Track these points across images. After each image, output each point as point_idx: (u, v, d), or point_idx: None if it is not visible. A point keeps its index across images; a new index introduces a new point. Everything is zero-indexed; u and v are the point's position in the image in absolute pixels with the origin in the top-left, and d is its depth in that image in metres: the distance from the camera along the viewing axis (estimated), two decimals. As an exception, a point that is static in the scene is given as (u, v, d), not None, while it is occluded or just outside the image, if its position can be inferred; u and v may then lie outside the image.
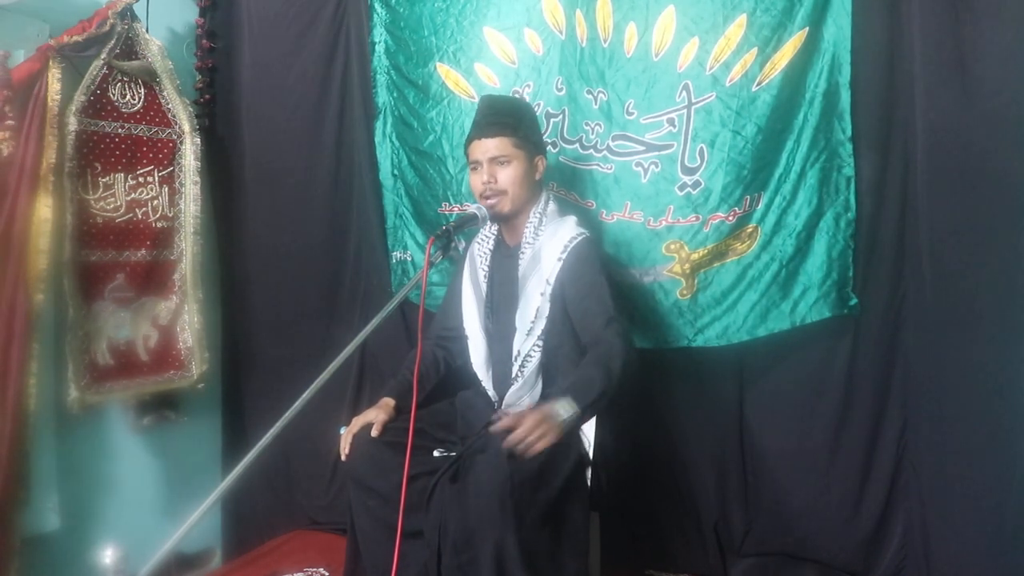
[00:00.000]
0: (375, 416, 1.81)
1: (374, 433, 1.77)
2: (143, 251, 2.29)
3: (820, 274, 2.08)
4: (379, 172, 2.56)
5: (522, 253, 1.91)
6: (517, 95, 2.34)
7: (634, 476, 2.26)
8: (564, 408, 1.57)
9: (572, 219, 1.96)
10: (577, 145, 2.29)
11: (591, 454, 1.84)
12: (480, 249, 2.03)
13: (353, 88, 2.62)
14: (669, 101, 2.16)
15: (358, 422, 1.82)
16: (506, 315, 1.93)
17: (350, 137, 2.64)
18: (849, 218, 2.08)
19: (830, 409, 2.19)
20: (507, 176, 1.87)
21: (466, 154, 1.97)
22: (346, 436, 1.82)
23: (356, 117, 2.62)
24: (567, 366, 1.83)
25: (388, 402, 1.88)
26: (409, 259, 2.54)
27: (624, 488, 2.10)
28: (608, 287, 1.82)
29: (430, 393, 1.97)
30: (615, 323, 1.75)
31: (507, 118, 1.90)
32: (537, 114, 2.32)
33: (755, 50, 2.07)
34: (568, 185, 2.31)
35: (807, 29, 2.03)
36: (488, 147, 1.88)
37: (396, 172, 2.54)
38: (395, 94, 2.52)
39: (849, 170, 2.08)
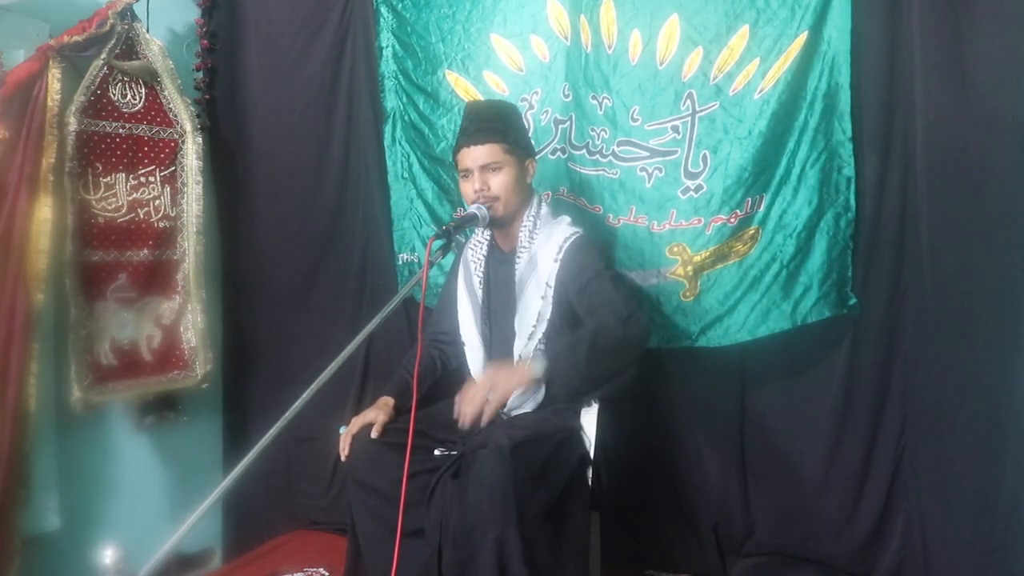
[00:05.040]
0: (375, 416, 1.81)
1: (374, 434, 1.77)
2: (145, 251, 2.29)
3: (820, 274, 2.09)
4: (388, 175, 2.56)
5: (518, 258, 1.90)
6: (526, 102, 2.35)
7: (635, 476, 2.26)
8: (534, 363, 1.58)
9: (566, 219, 1.95)
10: (584, 151, 2.29)
11: (592, 454, 1.84)
12: (474, 255, 2.01)
13: (360, 91, 2.62)
14: (673, 109, 2.17)
15: (357, 422, 1.82)
16: (504, 320, 1.92)
17: (358, 139, 2.65)
18: (849, 218, 2.09)
19: (830, 409, 2.19)
20: (499, 182, 1.86)
21: (455, 162, 1.95)
22: (345, 436, 1.82)
23: (364, 120, 2.62)
24: None
25: (387, 401, 1.87)
26: (416, 260, 2.54)
27: (625, 488, 2.10)
28: (610, 273, 1.81)
29: (427, 393, 1.97)
30: (625, 300, 1.73)
31: (495, 124, 1.88)
32: (543, 120, 2.34)
33: (757, 60, 2.08)
34: (577, 190, 2.31)
35: (807, 32, 2.04)
36: (478, 155, 1.85)
37: (406, 175, 2.53)
38: (404, 99, 2.51)
39: (849, 170, 2.08)
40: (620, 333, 1.62)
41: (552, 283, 1.83)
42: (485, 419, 1.51)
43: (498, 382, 1.53)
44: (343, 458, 1.81)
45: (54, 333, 2.10)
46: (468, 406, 1.51)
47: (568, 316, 1.84)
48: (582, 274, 1.80)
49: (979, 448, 1.92)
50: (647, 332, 1.69)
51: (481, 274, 1.98)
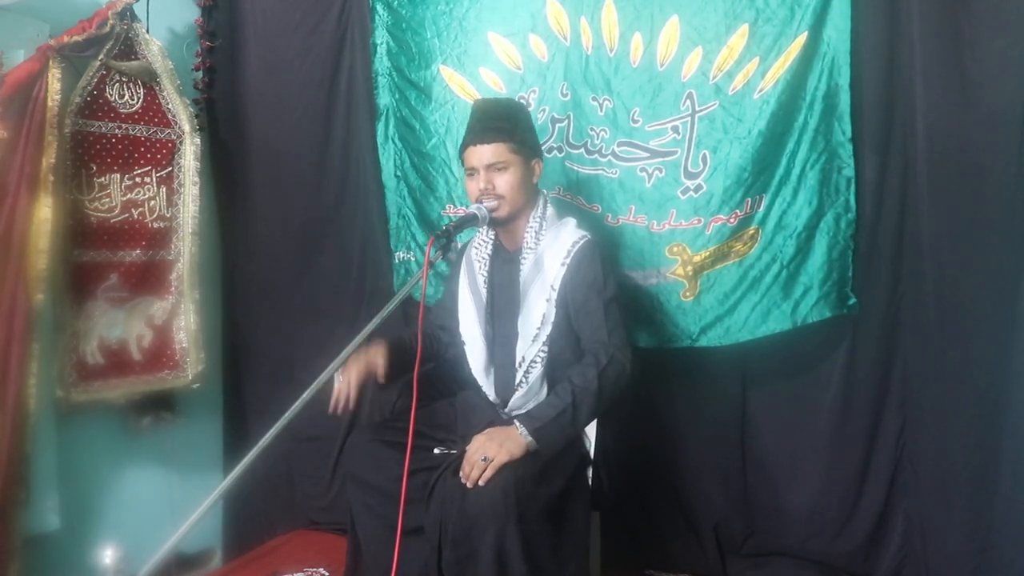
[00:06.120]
0: (375, 361, 1.84)
1: (381, 378, 1.82)
2: (138, 251, 2.28)
3: (821, 274, 2.09)
4: (382, 173, 2.56)
5: (523, 259, 1.89)
6: (523, 100, 2.35)
7: (635, 476, 2.26)
8: (519, 430, 1.62)
9: (572, 221, 1.94)
10: (582, 150, 2.29)
11: (592, 454, 1.84)
12: (478, 254, 2.00)
13: (358, 90, 2.62)
14: (674, 109, 2.17)
15: (356, 369, 1.82)
16: (507, 321, 1.92)
17: (356, 138, 2.65)
18: (849, 218, 2.09)
19: (830, 409, 2.19)
20: (505, 182, 1.85)
21: (461, 160, 1.94)
22: (344, 384, 1.81)
23: (361, 119, 2.62)
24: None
25: (382, 345, 1.90)
26: (412, 259, 2.54)
27: (625, 488, 2.10)
28: (610, 292, 1.81)
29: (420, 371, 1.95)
30: (609, 334, 1.75)
31: (503, 123, 1.87)
32: (540, 118, 2.33)
33: (757, 59, 2.08)
34: (574, 190, 2.31)
35: (807, 33, 2.04)
36: (484, 153, 1.84)
37: (399, 173, 2.54)
38: (397, 96, 2.51)
39: (849, 171, 2.08)
40: (596, 387, 1.67)
41: (558, 287, 1.83)
42: (483, 481, 1.56)
43: (489, 451, 1.58)
44: (339, 407, 1.80)
45: (52, 333, 2.09)
46: (471, 469, 1.57)
47: (568, 320, 1.83)
48: (584, 289, 1.80)
49: (978, 447, 1.93)
50: (624, 374, 1.73)
51: (485, 273, 1.97)
